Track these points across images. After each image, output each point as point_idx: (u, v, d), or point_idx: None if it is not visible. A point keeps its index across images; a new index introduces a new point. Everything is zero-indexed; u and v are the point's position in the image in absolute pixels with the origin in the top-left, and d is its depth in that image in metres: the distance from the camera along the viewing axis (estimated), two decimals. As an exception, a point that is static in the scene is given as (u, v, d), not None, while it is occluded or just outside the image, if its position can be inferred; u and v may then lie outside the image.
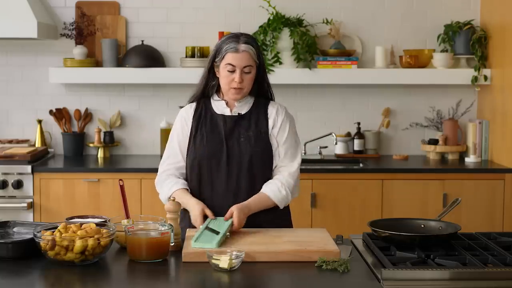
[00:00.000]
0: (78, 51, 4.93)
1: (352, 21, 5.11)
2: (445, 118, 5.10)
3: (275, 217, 2.97)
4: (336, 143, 5.04)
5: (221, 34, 4.93)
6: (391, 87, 5.15)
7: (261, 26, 4.94)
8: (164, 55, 5.07)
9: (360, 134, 5.10)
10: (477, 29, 4.99)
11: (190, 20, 5.08)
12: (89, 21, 5.03)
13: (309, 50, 4.91)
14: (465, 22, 5.00)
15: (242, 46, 2.89)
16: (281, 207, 2.96)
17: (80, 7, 5.03)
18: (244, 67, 2.89)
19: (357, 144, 5.09)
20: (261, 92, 3.03)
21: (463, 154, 5.04)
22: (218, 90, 3.03)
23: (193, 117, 3.01)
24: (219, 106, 3.01)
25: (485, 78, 4.90)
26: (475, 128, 4.97)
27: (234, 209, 2.80)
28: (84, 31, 5.00)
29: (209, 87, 3.02)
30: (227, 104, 3.00)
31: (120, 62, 4.99)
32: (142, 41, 5.01)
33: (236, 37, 2.92)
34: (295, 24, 4.92)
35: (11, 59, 5.07)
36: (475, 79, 4.90)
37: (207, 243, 2.55)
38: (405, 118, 5.18)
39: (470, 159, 4.85)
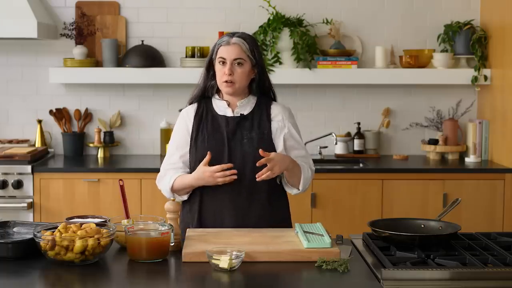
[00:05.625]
0: (78, 51, 4.93)
1: (352, 21, 5.12)
2: (445, 118, 5.10)
3: (275, 213, 2.97)
4: (336, 143, 5.04)
5: (221, 34, 4.92)
6: (391, 87, 5.15)
7: (261, 26, 4.94)
8: (164, 55, 5.07)
9: (360, 134, 5.10)
10: (477, 29, 4.99)
11: (190, 20, 5.08)
12: (89, 21, 5.03)
13: (309, 50, 4.91)
14: (465, 22, 5.00)
15: (233, 39, 2.92)
16: (301, 188, 2.94)
17: (80, 7, 5.03)
18: (235, 59, 2.89)
19: (357, 144, 5.09)
20: (263, 91, 3.02)
21: (463, 154, 5.04)
22: (219, 90, 3.02)
23: (194, 117, 2.99)
24: (220, 106, 2.99)
25: (485, 78, 4.90)
26: (475, 128, 4.97)
27: (272, 156, 2.79)
28: (84, 31, 5.00)
29: (208, 87, 3.01)
30: (229, 104, 2.98)
31: (120, 62, 4.99)
32: (142, 41, 5.01)
33: (231, 33, 2.96)
34: (295, 24, 4.92)
35: (11, 59, 5.07)
36: (475, 79, 4.90)
37: (321, 242, 2.54)
38: (405, 118, 5.19)
39: (470, 159, 4.85)
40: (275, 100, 3.06)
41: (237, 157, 2.89)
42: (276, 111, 3.00)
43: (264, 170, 2.79)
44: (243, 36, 2.95)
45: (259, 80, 2.99)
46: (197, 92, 3.04)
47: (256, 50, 2.95)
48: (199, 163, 2.90)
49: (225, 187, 2.89)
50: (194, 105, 3.03)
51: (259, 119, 2.96)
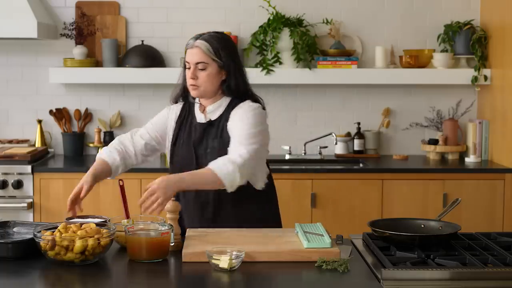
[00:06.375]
0: (78, 51, 4.93)
1: (352, 21, 5.12)
2: (445, 118, 5.10)
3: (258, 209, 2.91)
4: (336, 143, 5.04)
5: (221, 34, 4.93)
6: (391, 87, 5.15)
7: (261, 26, 4.94)
8: (164, 55, 5.07)
9: (360, 134, 5.10)
10: (477, 29, 4.99)
11: (190, 20, 5.08)
12: (89, 21, 5.03)
13: (309, 50, 4.91)
14: (465, 22, 5.01)
15: (196, 42, 2.83)
16: (228, 186, 2.68)
17: (80, 7, 5.03)
18: (197, 63, 2.81)
19: (357, 144, 5.09)
20: (237, 94, 2.86)
21: (463, 154, 5.04)
22: None
23: (176, 121, 2.95)
24: (197, 111, 2.93)
25: (485, 78, 4.90)
26: (475, 128, 4.97)
27: (154, 187, 2.60)
28: (84, 31, 5.00)
29: (186, 88, 2.92)
30: (203, 110, 2.90)
31: (120, 62, 4.99)
32: (142, 41, 5.01)
33: (199, 35, 2.86)
34: (295, 24, 4.92)
35: (11, 59, 5.08)
36: (475, 79, 4.90)
37: (321, 242, 2.53)
38: (405, 118, 5.19)
39: (470, 159, 4.85)
40: (259, 103, 2.89)
41: (203, 167, 2.73)
42: (237, 110, 2.82)
43: (148, 204, 2.61)
44: (207, 38, 2.82)
45: (228, 82, 2.84)
46: (177, 91, 2.96)
47: (224, 51, 2.80)
48: (177, 171, 2.78)
49: (193, 198, 2.87)
50: (179, 106, 2.96)
51: (223, 125, 2.84)
